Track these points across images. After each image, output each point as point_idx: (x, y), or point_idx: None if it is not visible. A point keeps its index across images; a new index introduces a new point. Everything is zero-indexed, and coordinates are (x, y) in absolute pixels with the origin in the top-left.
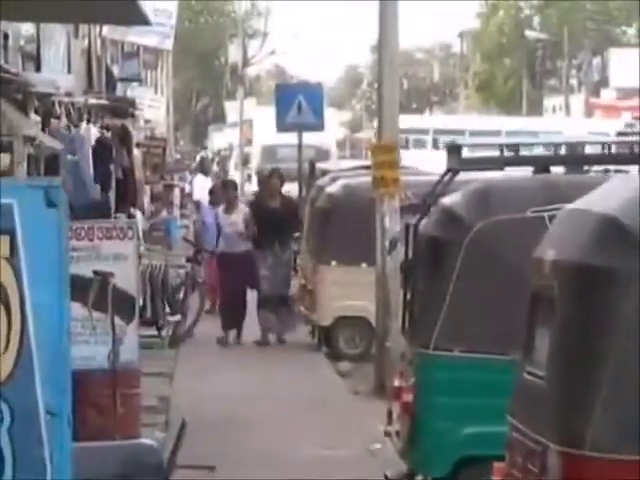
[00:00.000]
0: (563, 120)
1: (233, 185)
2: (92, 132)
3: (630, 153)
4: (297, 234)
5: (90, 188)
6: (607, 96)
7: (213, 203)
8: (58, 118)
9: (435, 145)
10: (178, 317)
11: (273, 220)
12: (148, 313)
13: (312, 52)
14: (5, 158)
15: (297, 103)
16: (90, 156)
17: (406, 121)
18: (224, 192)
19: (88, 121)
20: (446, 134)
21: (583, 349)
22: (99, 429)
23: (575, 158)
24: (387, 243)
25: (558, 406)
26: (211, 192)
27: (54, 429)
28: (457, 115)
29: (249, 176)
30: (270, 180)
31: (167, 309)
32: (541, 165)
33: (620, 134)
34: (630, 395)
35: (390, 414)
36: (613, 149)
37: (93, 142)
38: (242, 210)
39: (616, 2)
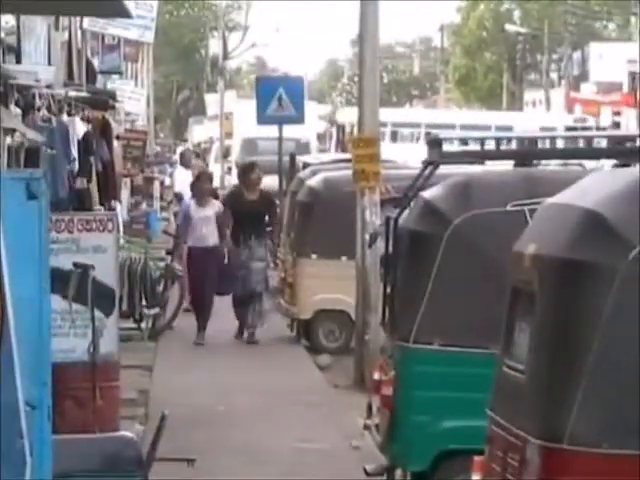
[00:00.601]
0: (514, 115)
1: (207, 177)
2: (78, 124)
3: (609, 147)
4: (270, 228)
5: (64, 181)
6: (587, 90)
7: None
8: (39, 110)
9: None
10: (156, 310)
11: (250, 214)
12: (125, 305)
13: (293, 45)
14: None
15: (278, 96)
16: (74, 148)
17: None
18: (197, 184)
19: (69, 113)
20: (404, 127)
21: (563, 344)
22: (79, 422)
23: (554, 152)
24: (367, 236)
25: (538, 400)
26: (192, 185)
27: (34, 422)
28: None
29: (229, 169)
30: (249, 173)
31: (144, 302)
32: (521, 159)
33: (569, 129)
34: (609, 390)
35: (370, 407)
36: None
37: (80, 135)
38: (215, 204)
39: None
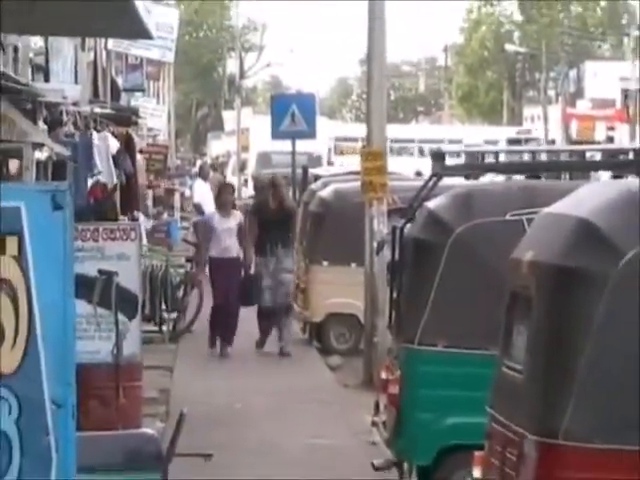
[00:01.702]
0: (463, 129)
1: (230, 189)
2: (111, 140)
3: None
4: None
5: (84, 192)
6: (583, 106)
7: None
8: (65, 125)
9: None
10: (176, 314)
11: (276, 225)
12: (147, 310)
13: (306, 65)
14: (14, 163)
15: (291, 112)
16: (109, 161)
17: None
18: (221, 196)
19: (97, 129)
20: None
21: (558, 346)
22: (103, 419)
23: (554, 165)
24: (375, 244)
25: (534, 398)
26: (216, 197)
27: (59, 419)
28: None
29: (245, 181)
30: (273, 186)
31: (165, 306)
32: (517, 172)
33: (511, 141)
34: (600, 390)
35: (377, 405)
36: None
37: (114, 150)
38: (237, 215)
39: (592, 18)
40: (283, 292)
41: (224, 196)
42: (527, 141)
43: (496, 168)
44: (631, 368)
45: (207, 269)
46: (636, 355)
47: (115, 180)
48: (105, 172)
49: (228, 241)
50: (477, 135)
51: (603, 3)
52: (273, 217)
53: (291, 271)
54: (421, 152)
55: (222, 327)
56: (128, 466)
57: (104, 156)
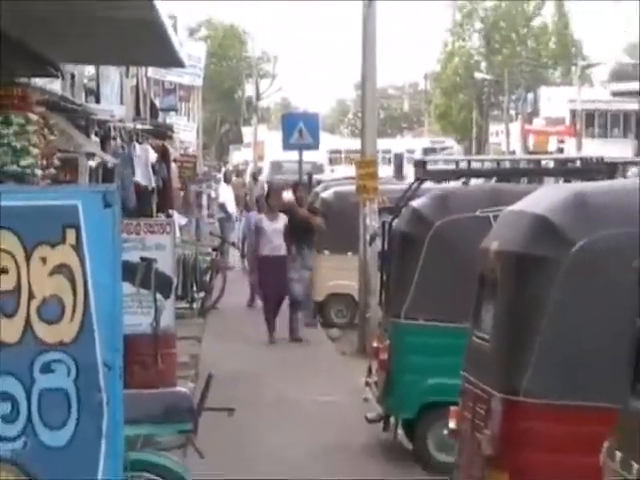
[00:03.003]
0: (390, 141)
1: (278, 193)
2: (150, 152)
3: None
4: None
5: (132, 194)
6: (538, 123)
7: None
8: (114, 139)
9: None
10: (204, 294)
11: (302, 227)
12: (180, 290)
13: (311, 89)
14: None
15: (299, 128)
16: (150, 170)
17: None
18: (269, 200)
19: (138, 142)
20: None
21: (519, 320)
22: (144, 380)
23: (512, 171)
24: (368, 237)
25: (500, 363)
26: (266, 200)
27: (109, 380)
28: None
29: (261, 185)
30: (298, 191)
31: (195, 287)
32: (488, 177)
33: (426, 150)
34: (554, 355)
35: (370, 369)
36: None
37: (154, 160)
38: (283, 217)
39: (545, 51)
40: (301, 286)
41: (273, 200)
42: (442, 149)
43: (468, 173)
44: (580, 338)
45: (257, 267)
46: (584, 327)
47: (153, 184)
48: (145, 177)
49: (277, 241)
50: (401, 145)
51: (554, 39)
52: (299, 220)
53: (311, 268)
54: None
55: (274, 317)
56: (165, 418)
57: (144, 164)
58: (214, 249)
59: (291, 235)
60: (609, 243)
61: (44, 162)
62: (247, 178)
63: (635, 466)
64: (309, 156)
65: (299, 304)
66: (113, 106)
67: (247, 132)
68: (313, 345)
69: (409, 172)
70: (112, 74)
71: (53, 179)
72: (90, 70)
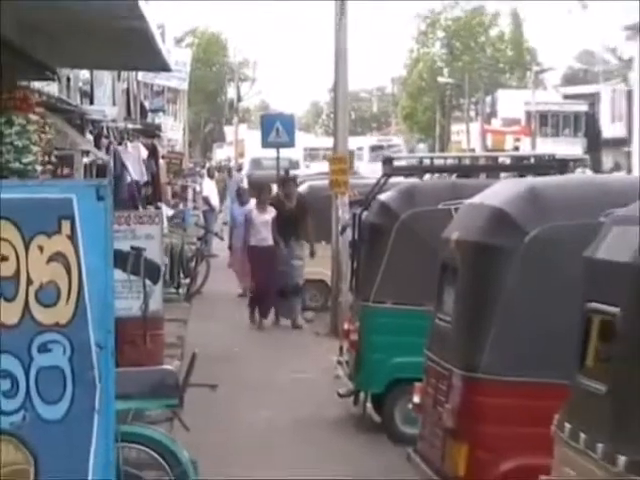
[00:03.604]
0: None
1: (268, 188)
2: (142, 149)
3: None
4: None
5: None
6: (496, 124)
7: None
8: (107, 137)
9: None
10: (189, 280)
11: (290, 219)
12: (167, 276)
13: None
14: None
15: (276, 128)
16: (142, 165)
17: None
18: (260, 195)
19: (130, 140)
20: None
21: (478, 303)
22: (134, 359)
23: (472, 167)
24: (340, 227)
25: (460, 343)
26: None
27: (102, 358)
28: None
29: (241, 180)
30: (287, 184)
31: (181, 274)
32: (450, 172)
33: (373, 147)
34: (509, 336)
35: (341, 349)
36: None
37: (145, 156)
38: (272, 211)
39: (502, 58)
40: (295, 275)
41: (263, 195)
42: (389, 147)
43: (432, 170)
44: (532, 321)
45: (247, 256)
46: (536, 310)
47: (145, 178)
48: (137, 172)
49: (265, 232)
50: (350, 143)
51: (510, 46)
52: (287, 213)
53: (301, 257)
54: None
55: (259, 304)
56: (153, 394)
57: (136, 160)
58: (199, 238)
59: (279, 227)
60: (559, 233)
61: (44, 158)
62: (235, 172)
63: (582, 436)
64: (286, 153)
65: (296, 292)
66: (106, 107)
67: (229, 131)
68: (289, 326)
69: (359, 167)
70: (105, 78)
71: (51, 174)
72: (85, 74)
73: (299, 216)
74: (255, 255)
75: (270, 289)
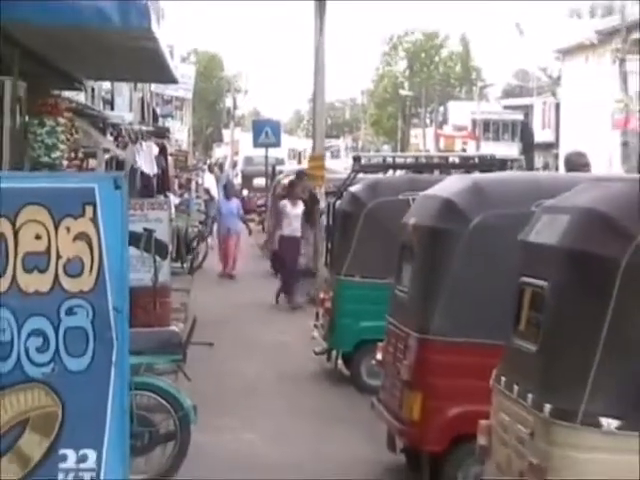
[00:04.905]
0: (296, 140)
1: (301, 185)
2: (153, 147)
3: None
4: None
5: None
6: (447, 129)
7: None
8: (124, 138)
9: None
10: (191, 256)
11: (313, 212)
12: (174, 253)
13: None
14: (92, 162)
15: (265, 131)
16: (154, 160)
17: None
18: (292, 189)
19: (144, 140)
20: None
21: (430, 277)
22: (146, 321)
23: (427, 165)
24: (318, 214)
25: (415, 310)
26: (289, 189)
27: (118, 320)
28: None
29: (236, 174)
30: (300, 179)
31: (185, 251)
32: (408, 169)
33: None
34: (456, 304)
35: (317, 314)
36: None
37: (156, 153)
38: (301, 204)
39: (453, 75)
40: (304, 259)
41: (295, 189)
42: (329, 146)
43: (394, 167)
44: (476, 291)
45: (279, 245)
46: (479, 283)
47: (156, 171)
48: (149, 166)
49: (295, 224)
50: (296, 146)
51: (459, 65)
52: (313, 207)
53: (314, 244)
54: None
55: (287, 287)
56: (161, 350)
57: (148, 157)
58: (200, 222)
59: (305, 219)
60: (498, 220)
61: (72, 155)
62: (225, 167)
63: (515, 387)
64: (273, 152)
65: (311, 274)
66: (124, 113)
67: (226, 133)
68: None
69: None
70: (124, 88)
71: (78, 167)
72: (107, 85)
73: (310, 207)
74: (286, 244)
75: (296, 274)
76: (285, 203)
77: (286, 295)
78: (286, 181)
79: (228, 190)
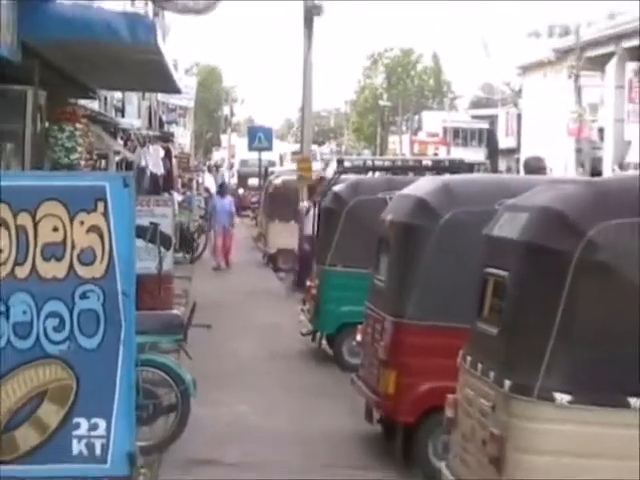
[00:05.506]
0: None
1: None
2: (160, 150)
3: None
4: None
5: (146, 179)
6: (421, 136)
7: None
8: (133, 142)
9: None
10: (192, 247)
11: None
12: (177, 245)
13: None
14: (104, 162)
15: (259, 137)
16: (160, 162)
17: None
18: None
19: (151, 143)
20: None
21: (404, 267)
22: (151, 305)
23: (403, 167)
24: (305, 210)
25: (390, 296)
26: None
27: (126, 304)
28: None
29: (233, 175)
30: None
31: (187, 243)
32: (386, 171)
33: (295, 153)
34: (428, 292)
35: (304, 300)
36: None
37: (162, 156)
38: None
39: (426, 87)
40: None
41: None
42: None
43: (373, 168)
44: (445, 280)
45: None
46: (448, 273)
47: (162, 171)
48: (156, 167)
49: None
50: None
51: (432, 79)
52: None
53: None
54: None
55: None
56: (164, 331)
57: (155, 158)
58: (200, 217)
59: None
60: (466, 216)
61: (87, 156)
62: (221, 169)
63: (479, 365)
64: (266, 155)
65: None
66: (133, 119)
67: (224, 138)
68: (267, 283)
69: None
70: (133, 97)
71: (92, 167)
72: (118, 94)
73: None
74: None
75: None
76: (305, 205)
77: (299, 285)
78: (277, 181)
79: (223, 189)
